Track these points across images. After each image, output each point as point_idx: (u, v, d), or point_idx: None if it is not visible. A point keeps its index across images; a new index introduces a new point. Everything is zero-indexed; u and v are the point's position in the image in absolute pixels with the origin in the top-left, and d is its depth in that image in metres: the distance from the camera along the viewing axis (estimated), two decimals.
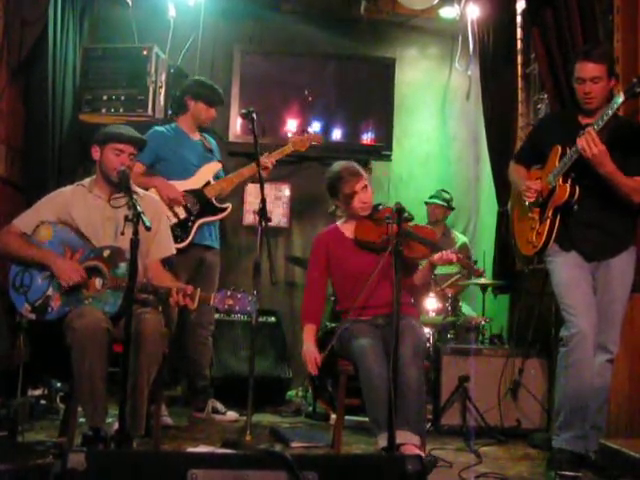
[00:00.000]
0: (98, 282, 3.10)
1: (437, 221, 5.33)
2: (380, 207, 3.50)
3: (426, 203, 5.39)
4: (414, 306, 3.64)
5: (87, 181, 3.37)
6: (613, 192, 3.19)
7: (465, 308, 5.04)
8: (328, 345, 3.38)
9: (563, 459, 3.18)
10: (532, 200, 3.38)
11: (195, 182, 4.19)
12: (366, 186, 3.48)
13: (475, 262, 3.72)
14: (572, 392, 3.21)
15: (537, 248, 3.35)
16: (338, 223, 3.65)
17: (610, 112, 3.07)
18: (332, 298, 4.65)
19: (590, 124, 3.20)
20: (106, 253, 3.12)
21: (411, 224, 3.51)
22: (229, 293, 3.05)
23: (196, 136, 4.36)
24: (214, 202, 4.21)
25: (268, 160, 4.23)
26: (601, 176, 3.15)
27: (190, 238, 4.11)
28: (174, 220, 4.05)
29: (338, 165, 3.56)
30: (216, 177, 4.29)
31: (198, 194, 4.16)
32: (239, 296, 3.04)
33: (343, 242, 3.55)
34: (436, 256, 3.34)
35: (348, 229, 3.57)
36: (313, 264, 3.59)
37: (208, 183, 4.22)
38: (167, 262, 3.43)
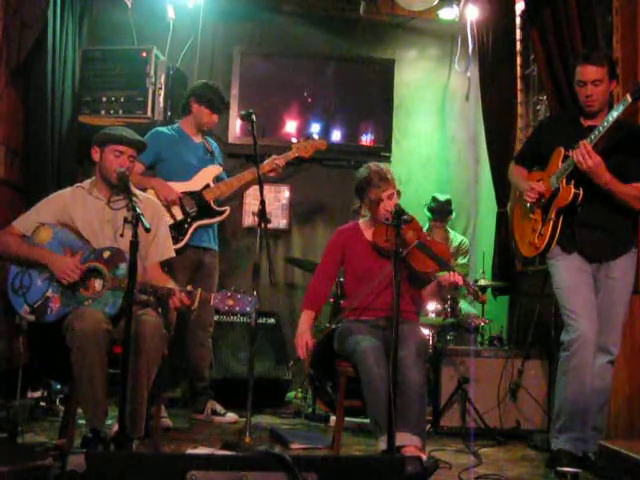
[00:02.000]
0: (98, 283, 3.10)
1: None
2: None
3: (430, 219, 5.32)
4: (416, 314, 3.64)
5: (87, 183, 3.37)
6: (613, 199, 3.21)
7: (465, 305, 5.04)
8: (328, 343, 3.41)
9: (562, 457, 3.18)
10: (533, 201, 3.37)
11: (194, 184, 4.18)
12: (393, 194, 3.47)
13: (480, 290, 3.61)
14: (572, 396, 3.20)
15: (539, 250, 3.35)
16: (360, 222, 3.65)
17: (616, 114, 3.07)
18: (331, 300, 4.67)
19: (593, 126, 3.21)
20: (106, 254, 3.12)
21: (428, 237, 3.50)
22: (229, 293, 3.07)
23: (198, 138, 4.35)
24: (212, 205, 4.20)
25: (279, 161, 4.24)
26: (600, 186, 3.17)
27: (186, 239, 4.10)
28: (170, 221, 4.05)
29: (369, 168, 3.52)
30: (217, 180, 4.29)
31: (196, 196, 4.16)
32: (239, 296, 3.05)
33: (361, 242, 3.56)
34: (443, 276, 3.34)
35: (368, 230, 3.58)
36: (327, 256, 3.63)
37: (208, 186, 4.21)
38: (166, 264, 3.43)
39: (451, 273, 3.31)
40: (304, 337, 3.45)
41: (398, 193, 3.51)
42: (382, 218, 3.46)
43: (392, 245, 3.13)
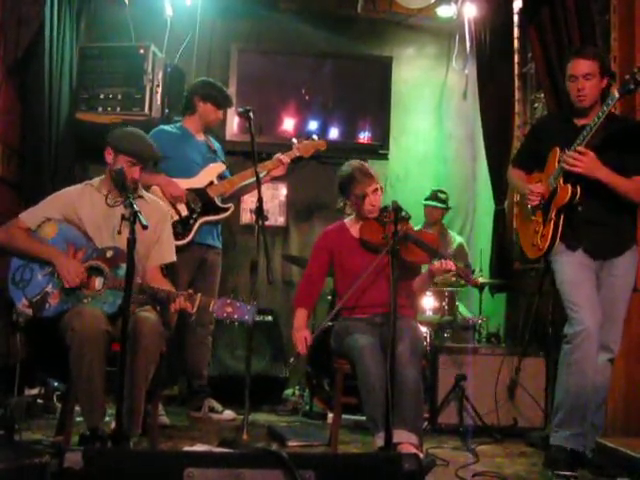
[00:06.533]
0: (98, 282, 3.10)
1: (435, 222, 5.32)
2: (388, 209, 3.49)
3: (424, 205, 5.37)
4: (412, 308, 3.64)
5: (96, 180, 3.37)
6: (613, 193, 3.21)
7: (462, 307, 5.04)
8: (325, 340, 3.41)
9: (560, 458, 3.17)
10: (535, 204, 3.37)
11: (199, 181, 4.18)
12: (377, 189, 3.49)
13: (473, 271, 3.69)
14: (574, 390, 3.19)
15: (543, 250, 3.34)
16: (346, 220, 3.67)
17: (606, 109, 3.09)
18: (329, 297, 4.66)
19: (585, 125, 3.21)
20: (109, 254, 3.12)
21: (414, 228, 3.50)
22: (229, 301, 3.07)
23: (201, 137, 4.34)
24: (217, 202, 4.20)
25: (284, 158, 4.24)
26: (599, 182, 3.17)
27: (191, 236, 4.10)
28: (175, 217, 4.04)
29: (351, 165, 3.56)
30: (220, 177, 4.28)
31: (201, 193, 4.15)
32: (238, 304, 3.07)
33: (348, 240, 3.56)
34: (435, 264, 3.34)
35: (354, 228, 3.58)
36: (314, 257, 3.63)
37: (211, 183, 4.21)
38: (166, 267, 3.43)
39: (442, 261, 3.32)
40: (302, 332, 3.44)
41: (381, 189, 3.53)
42: (368, 213, 3.49)
43: (384, 241, 3.15)
